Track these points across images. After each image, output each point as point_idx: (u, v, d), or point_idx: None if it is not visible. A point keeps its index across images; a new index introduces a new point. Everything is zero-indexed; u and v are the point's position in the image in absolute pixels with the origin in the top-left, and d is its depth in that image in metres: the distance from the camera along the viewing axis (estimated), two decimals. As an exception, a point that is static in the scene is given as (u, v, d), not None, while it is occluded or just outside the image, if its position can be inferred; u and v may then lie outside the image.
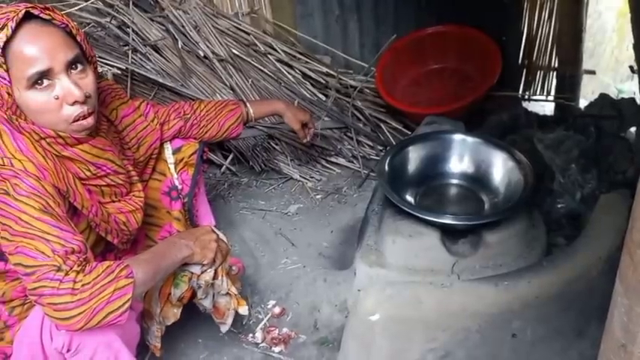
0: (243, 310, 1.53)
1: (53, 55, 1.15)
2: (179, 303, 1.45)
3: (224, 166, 2.45)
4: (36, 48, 1.14)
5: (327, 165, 2.43)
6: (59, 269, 1.09)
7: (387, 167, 1.68)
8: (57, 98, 1.18)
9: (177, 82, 2.34)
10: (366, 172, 2.35)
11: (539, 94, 2.87)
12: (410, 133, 2.40)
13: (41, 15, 1.16)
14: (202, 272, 1.43)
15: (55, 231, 1.12)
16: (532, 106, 2.80)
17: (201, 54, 2.38)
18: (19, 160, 1.14)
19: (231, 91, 2.36)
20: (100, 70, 2.15)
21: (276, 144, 2.43)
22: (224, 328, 1.56)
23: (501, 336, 1.36)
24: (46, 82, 1.16)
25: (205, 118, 1.72)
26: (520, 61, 2.85)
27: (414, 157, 1.77)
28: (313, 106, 2.42)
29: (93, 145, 1.30)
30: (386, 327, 1.37)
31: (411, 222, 1.57)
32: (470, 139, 1.79)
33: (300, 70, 2.49)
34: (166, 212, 1.64)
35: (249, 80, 2.38)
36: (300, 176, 2.38)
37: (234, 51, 2.41)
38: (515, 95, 2.70)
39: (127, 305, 1.13)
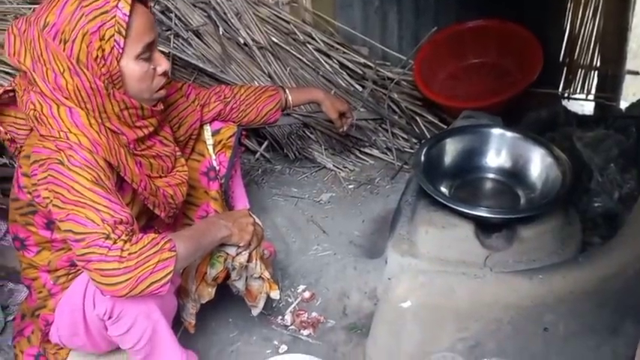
0: (275, 294, 1.56)
1: (154, 31, 1.30)
2: (214, 282, 1.49)
3: (258, 153, 2.48)
4: (147, 23, 1.27)
5: (361, 156, 2.44)
6: (108, 237, 1.13)
7: (423, 158, 1.68)
8: (154, 69, 1.31)
9: (216, 68, 2.38)
10: (399, 164, 2.35)
11: (580, 93, 2.81)
12: (445, 127, 2.39)
13: None
14: (237, 254, 1.46)
15: (105, 202, 1.17)
16: (571, 105, 2.75)
17: (242, 41, 2.41)
18: (75, 134, 1.20)
19: (269, 79, 2.39)
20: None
21: (311, 133, 2.44)
22: (255, 312, 1.59)
23: (533, 329, 1.35)
24: (148, 54, 1.28)
25: (245, 103, 1.75)
26: (561, 58, 2.80)
27: (451, 149, 1.76)
28: (350, 97, 2.43)
29: (158, 120, 1.40)
30: (417, 314, 1.37)
31: (445, 213, 1.57)
32: (509, 133, 1.77)
33: (337, 60, 2.50)
34: (204, 192, 1.68)
35: (288, 68, 2.41)
36: (334, 165, 2.39)
37: (273, 39, 2.43)
38: (555, 93, 2.65)
39: (168, 277, 1.17)
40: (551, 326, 1.35)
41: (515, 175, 1.74)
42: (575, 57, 2.79)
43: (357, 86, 2.48)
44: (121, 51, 1.23)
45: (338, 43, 2.55)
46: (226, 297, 1.84)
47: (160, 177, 1.43)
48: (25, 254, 1.37)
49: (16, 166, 1.34)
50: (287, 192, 2.31)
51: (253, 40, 2.41)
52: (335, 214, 2.18)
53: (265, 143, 2.49)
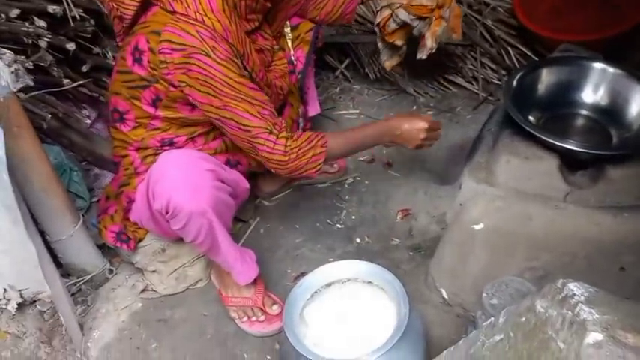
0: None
1: None
2: None
3: (339, 70, 2.44)
4: None
5: (444, 82, 2.34)
6: (271, 132, 1.31)
7: (515, 84, 1.60)
8: None
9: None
10: (484, 95, 2.25)
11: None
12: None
13: None
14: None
15: (254, 93, 1.29)
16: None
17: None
18: (209, 19, 1.26)
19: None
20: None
21: (395, 54, 2.37)
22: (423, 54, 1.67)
23: (609, 267, 1.31)
24: None
25: None
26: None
27: (547, 79, 1.66)
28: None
29: (263, 15, 1.46)
30: (488, 238, 1.35)
31: (530, 144, 1.51)
32: (611, 69, 1.65)
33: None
34: None
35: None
36: (414, 90, 2.32)
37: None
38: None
39: (319, 167, 1.39)
40: (628, 267, 1.30)
41: (610, 113, 1.64)
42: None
43: (450, 9, 2.35)
44: None
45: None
46: (295, 206, 1.90)
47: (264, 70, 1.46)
48: (121, 128, 1.43)
49: (126, 41, 1.37)
50: (364, 112, 2.28)
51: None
52: (410, 139, 2.14)
53: (347, 61, 2.44)
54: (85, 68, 1.89)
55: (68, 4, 1.71)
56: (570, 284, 0.87)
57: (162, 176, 1.32)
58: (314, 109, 1.84)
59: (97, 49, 1.93)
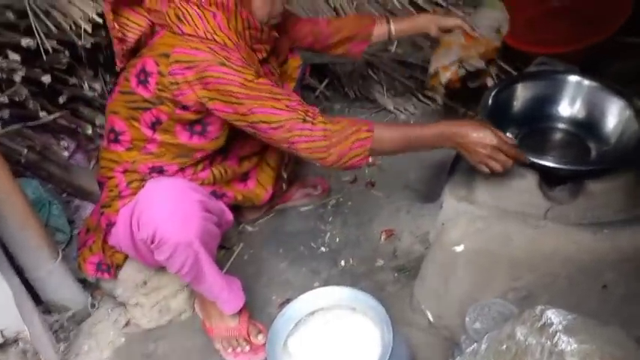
0: None
1: None
2: None
3: (318, 90, 2.44)
4: None
5: (423, 99, 2.35)
6: (304, 120, 1.26)
7: (490, 101, 1.60)
8: None
9: (281, 0, 2.32)
10: (464, 110, 2.26)
11: (670, 46, 2.58)
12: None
13: None
14: None
15: (276, 89, 1.27)
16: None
17: (308, -28, 2.33)
18: (219, 36, 1.28)
19: (334, 12, 2.31)
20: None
21: (374, 72, 2.37)
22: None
23: (591, 286, 1.30)
24: None
25: (332, 35, 1.73)
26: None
27: (522, 95, 1.67)
28: (417, 36, 2.32)
29: (271, 46, 1.46)
30: (470, 259, 1.35)
31: (509, 161, 1.51)
32: (586, 82, 1.66)
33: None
34: None
35: (354, 3, 2.32)
36: (395, 107, 2.33)
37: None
38: (642, 44, 2.44)
39: (366, 153, 1.29)
40: (610, 285, 1.29)
41: (588, 126, 1.64)
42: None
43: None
44: None
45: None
46: (279, 230, 1.88)
47: None
48: (115, 148, 1.42)
49: (131, 63, 1.37)
50: (345, 131, 2.28)
51: (320, -29, 2.33)
52: (392, 157, 2.13)
53: (326, 81, 2.44)
54: (61, 99, 1.88)
55: (41, 37, 1.69)
56: (549, 312, 0.86)
57: (150, 205, 1.30)
58: None
59: (73, 80, 1.92)
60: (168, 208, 1.29)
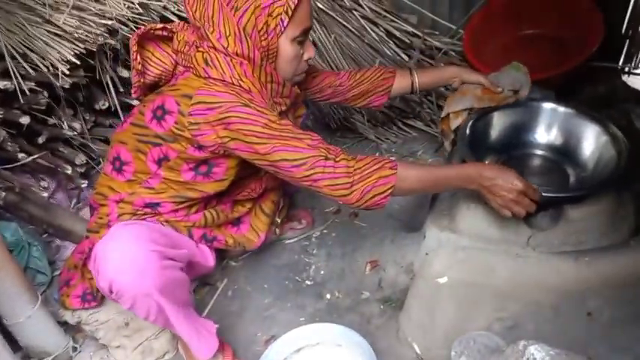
0: None
1: (312, 19, 1.38)
2: None
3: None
4: (309, 10, 1.35)
5: (404, 127, 2.38)
6: (327, 158, 1.26)
7: (468, 131, 1.62)
8: (302, 54, 1.40)
9: (261, 34, 2.34)
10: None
11: (642, 69, 2.64)
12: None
13: None
14: None
15: (298, 130, 1.28)
16: (632, 81, 2.59)
17: (287, 6, 2.36)
18: (245, 82, 1.29)
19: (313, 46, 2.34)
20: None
21: (354, 102, 2.39)
22: None
23: (576, 314, 1.30)
24: (302, 38, 1.36)
25: (353, 89, 1.76)
26: (623, 31, 2.63)
27: (499, 123, 1.69)
28: (395, 66, 2.36)
29: (291, 101, 1.47)
30: (453, 291, 1.34)
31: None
32: (561, 108, 1.69)
33: (384, 29, 2.42)
34: None
35: (332, 36, 2.35)
36: (375, 137, 2.35)
37: (319, 4, 2.38)
38: (615, 68, 2.49)
39: (389, 191, 1.26)
40: (595, 312, 1.30)
41: (565, 153, 1.67)
42: (639, 29, 2.61)
43: (404, 56, 2.40)
44: (283, 29, 1.31)
45: (385, 11, 2.46)
46: (263, 264, 1.87)
47: None
48: (116, 176, 1.42)
49: (149, 98, 1.39)
50: (327, 162, 2.28)
51: (299, 5, 2.36)
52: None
53: (308, 111, 2.45)
54: (41, 140, 1.86)
55: (18, 79, 1.69)
56: (531, 347, 0.86)
57: (105, 256, 1.27)
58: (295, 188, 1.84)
59: (52, 120, 1.90)
60: (123, 260, 1.25)
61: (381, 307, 1.66)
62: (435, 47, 2.41)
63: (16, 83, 1.69)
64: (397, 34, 2.41)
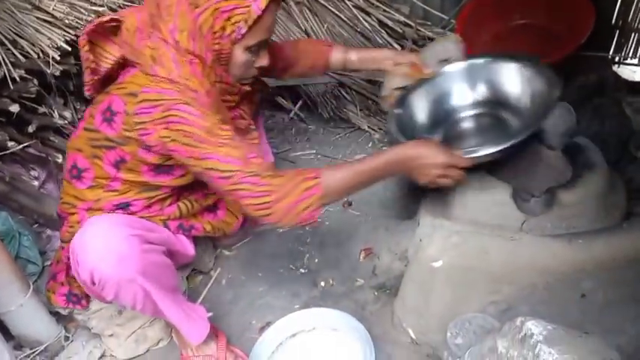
0: None
1: (271, 31, 1.35)
2: None
3: (293, 112, 2.45)
4: (271, 23, 1.32)
5: (397, 117, 2.38)
6: (255, 174, 1.20)
7: (395, 115, 1.56)
8: (254, 61, 1.37)
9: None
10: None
11: (632, 58, 2.65)
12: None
13: None
14: None
15: (239, 140, 1.23)
16: (622, 71, 2.61)
17: (279, -4, 2.35)
18: (193, 83, 1.25)
19: (305, 35, 2.34)
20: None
21: (347, 93, 2.40)
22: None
23: (570, 295, 1.31)
24: (257, 48, 1.34)
25: (293, 59, 1.72)
26: (614, 21, 2.65)
27: (422, 99, 1.65)
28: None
29: (240, 97, 1.45)
30: (448, 275, 1.35)
31: (482, 175, 1.52)
32: (474, 61, 1.64)
33: (376, 18, 2.42)
34: None
35: (325, 25, 2.35)
36: (369, 127, 2.35)
37: (312, -6, 2.38)
38: (605, 57, 2.51)
39: (318, 202, 1.22)
40: (589, 293, 1.30)
41: (498, 102, 1.62)
42: (629, 20, 2.63)
43: (396, 45, 2.40)
44: (239, 37, 1.28)
45: (378, 1, 2.47)
46: (257, 253, 1.86)
47: None
48: (78, 185, 1.38)
49: (98, 99, 1.36)
50: (320, 152, 2.29)
51: (291, -5, 2.36)
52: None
53: (300, 102, 2.45)
54: (31, 129, 1.84)
55: (8, 67, 1.66)
56: (529, 322, 0.86)
57: (84, 247, 1.24)
58: (267, 158, 1.82)
59: (42, 109, 1.88)
60: (102, 248, 1.23)
61: (375, 293, 1.66)
62: (427, 37, 2.42)
63: (5, 70, 1.67)
64: (390, 23, 2.41)
